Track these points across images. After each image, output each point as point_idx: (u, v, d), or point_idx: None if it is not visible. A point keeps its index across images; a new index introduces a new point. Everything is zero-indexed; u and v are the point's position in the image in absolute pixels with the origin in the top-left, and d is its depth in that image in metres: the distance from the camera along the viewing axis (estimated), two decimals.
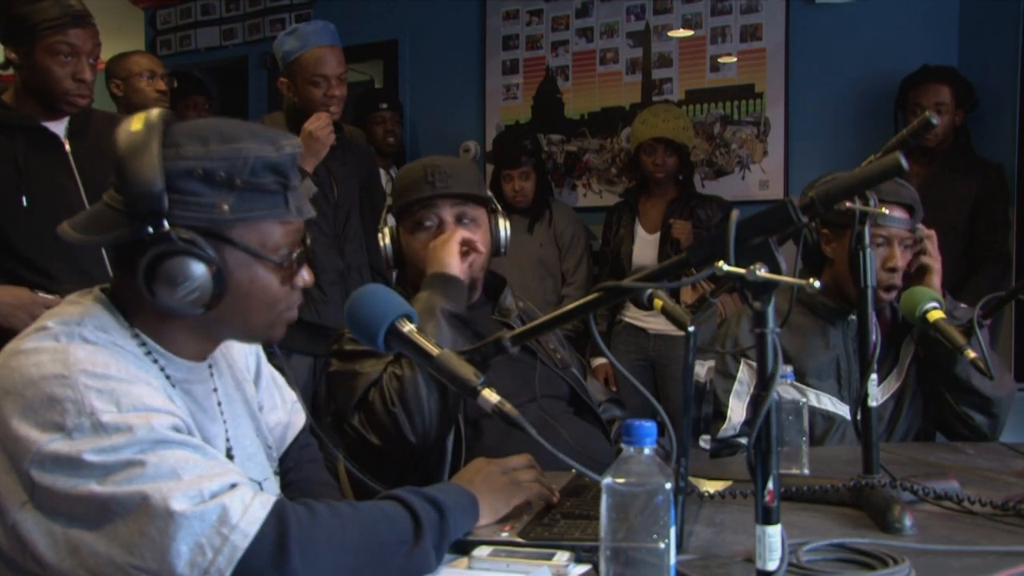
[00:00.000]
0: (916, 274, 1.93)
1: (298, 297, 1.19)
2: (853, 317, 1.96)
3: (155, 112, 1.10)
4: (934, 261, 1.93)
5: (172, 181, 1.04)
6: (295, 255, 1.15)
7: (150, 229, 1.04)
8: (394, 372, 1.58)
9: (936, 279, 1.92)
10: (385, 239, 1.81)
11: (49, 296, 2.08)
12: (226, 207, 1.06)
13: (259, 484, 1.27)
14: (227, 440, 1.22)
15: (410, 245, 1.79)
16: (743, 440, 1.94)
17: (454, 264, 1.68)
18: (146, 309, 1.11)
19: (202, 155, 1.06)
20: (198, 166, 1.05)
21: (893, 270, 1.88)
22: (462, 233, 1.73)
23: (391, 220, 1.85)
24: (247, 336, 1.21)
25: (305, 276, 1.18)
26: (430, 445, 1.58)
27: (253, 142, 1.08)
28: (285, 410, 1.43)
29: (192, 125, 1.11)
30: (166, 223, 1.04)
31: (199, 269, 1.05)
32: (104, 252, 2.19)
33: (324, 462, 1.51)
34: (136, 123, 1.07)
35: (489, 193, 1.86)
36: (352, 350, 1.66)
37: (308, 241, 1.19)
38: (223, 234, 1.08)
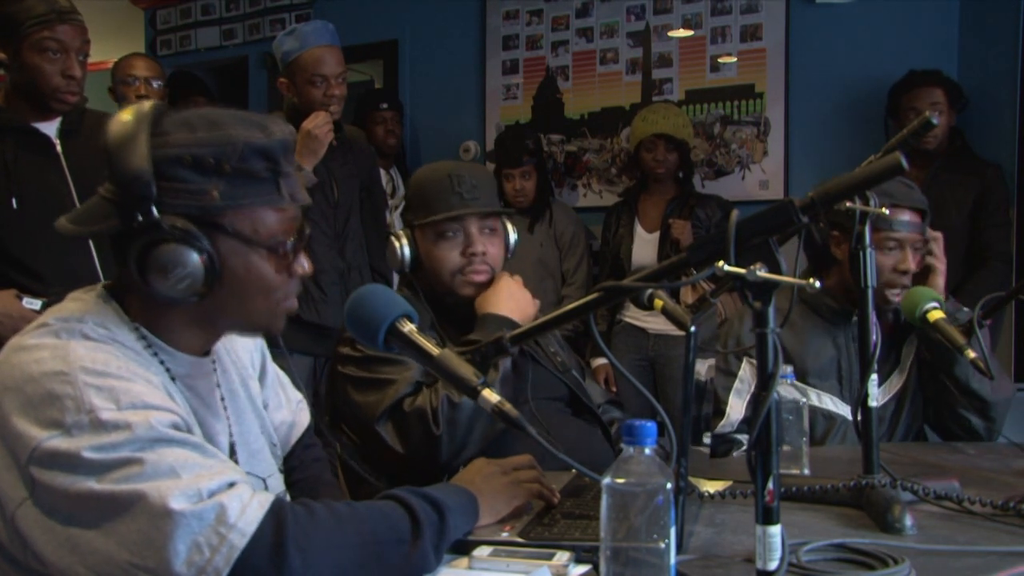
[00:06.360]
0: (920, 274, 1.94)
1: (296, 286, 1.17)
2: (856, 318, 1.96)
3: (147, 104, 1.09)
4: (939, 262, 1.96)
5: (161, 169, 1.04)
6: (291, 243, 1.13)
7: (140, 217, 1.03)
8: (448, 396, 1.56)
9: (940, 279, 1.95)
10: (403, 242, 1.79)
11: (36, 304, 2.06)
12: (216, 193, 1.06)
13: (263, 481, 1.26)
14: (230, 436, 1.22)
15: (429, 252, 1.77)
16: (739, 436, 1.94)
17: (529, 312, 1.71)
18: (146, 302, 1.11)
19: (190, 142, 1.06)
20: (186, 153, 1.05)
21: (904, 273, 1.90)
22: (519, 280, 1.77)
23: (400, 221, 1.84)
24: (247, 326, 1.19)
25: (304, 265, 1.16)
26: (453, 464, 1.57)
27: (241, 127, 1.08)
28: (290, 409, 1.43)
29: (182, 114, 1.10)
30: (155, 210, 1.03)
31: (189, 255, 1.05)
32: (94, 253, 2.17)
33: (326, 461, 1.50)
34: (126, 114, 1.07)
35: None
36: (372, 355, 1.64)
37: (308, 230, 1.17)
38: (215, 221, 1.07)
